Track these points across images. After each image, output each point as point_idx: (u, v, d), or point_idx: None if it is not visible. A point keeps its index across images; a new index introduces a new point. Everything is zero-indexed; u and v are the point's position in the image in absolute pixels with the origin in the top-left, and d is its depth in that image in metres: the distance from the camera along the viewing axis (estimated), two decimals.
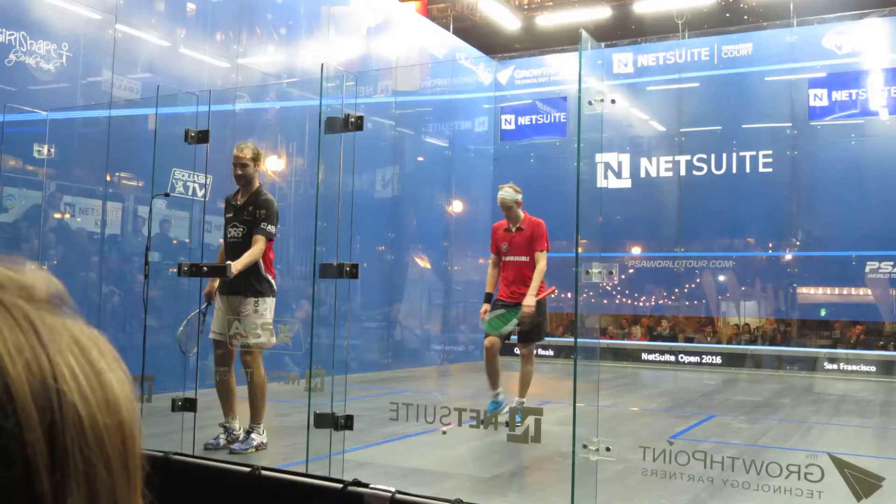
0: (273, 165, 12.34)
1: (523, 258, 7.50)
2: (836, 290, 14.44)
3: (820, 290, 14.61)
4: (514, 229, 7.57)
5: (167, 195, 6.73)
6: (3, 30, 8.34)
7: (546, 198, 12.57)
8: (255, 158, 6.35)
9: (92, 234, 9.78)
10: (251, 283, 6.10)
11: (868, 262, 13.58)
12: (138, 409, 0.57)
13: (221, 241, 6.66)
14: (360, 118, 5.94)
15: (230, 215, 6.33)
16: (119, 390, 0.55)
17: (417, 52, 15.41)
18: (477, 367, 8.56)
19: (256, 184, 6.35)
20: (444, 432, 5.67)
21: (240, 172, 6.29)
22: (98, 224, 9.72)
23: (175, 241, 10.09)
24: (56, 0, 9.08)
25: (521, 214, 7.61)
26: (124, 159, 9.74)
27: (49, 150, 7.65)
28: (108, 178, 9.88)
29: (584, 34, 5.39)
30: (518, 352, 7.68)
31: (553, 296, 8.31)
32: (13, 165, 8.80)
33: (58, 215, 9.54)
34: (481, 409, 4.95)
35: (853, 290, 14.17)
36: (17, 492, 0.47)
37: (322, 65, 6.04)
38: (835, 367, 13.90)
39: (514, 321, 7.19)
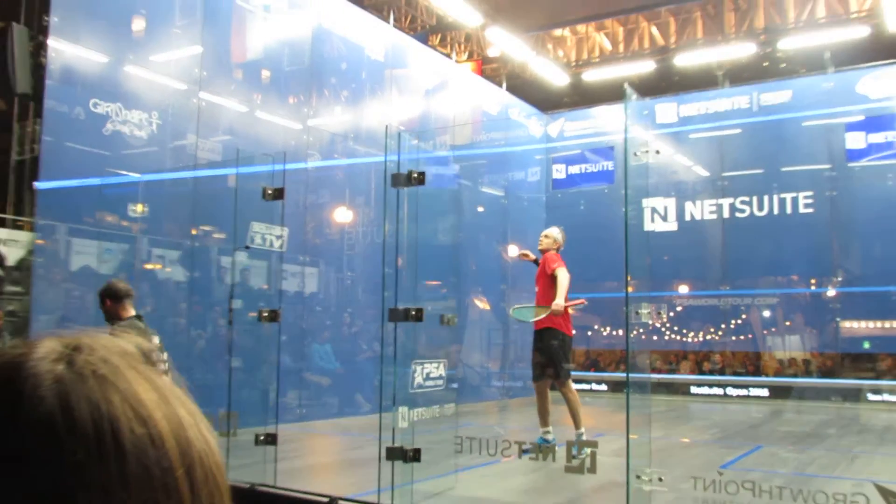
0: (342, 217, 12.60)
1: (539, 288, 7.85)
2: (879, 324, 14.05)
3: (863, 324, 14.23)
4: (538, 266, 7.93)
5: (247, 248, 6.95)
6: (102, 102, 8.74)
7: (596, 242, 12.58)
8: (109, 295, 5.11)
9: (179, 283, 10.08)
10: None
11: None
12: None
13: None
14: (422, 174, 6.11)
15: None
16: (211, 435, 0.64)
17: (473, 108, 15.64)
18: (534, 401, 8.56)
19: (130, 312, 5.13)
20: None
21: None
22: (185, 274, 10.02)
23: (262, 288, 10.33)
24: (147, 73, 9.50)
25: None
26: (208, 214, 10.05)
27: (142, 209, 7.96)
28: (194, 233, 10.19)
29: (628, 89, 5.49)
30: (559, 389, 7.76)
31: (583, 305, 8.68)
32: (110, 222, 9.17)
33: (149, 266, 9.87)
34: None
35: (895, 324, 13.79)
36: None
37: (386, 126, 6.23)
38: (879, 398, 13.50)
39: (539, 312, 7.63)
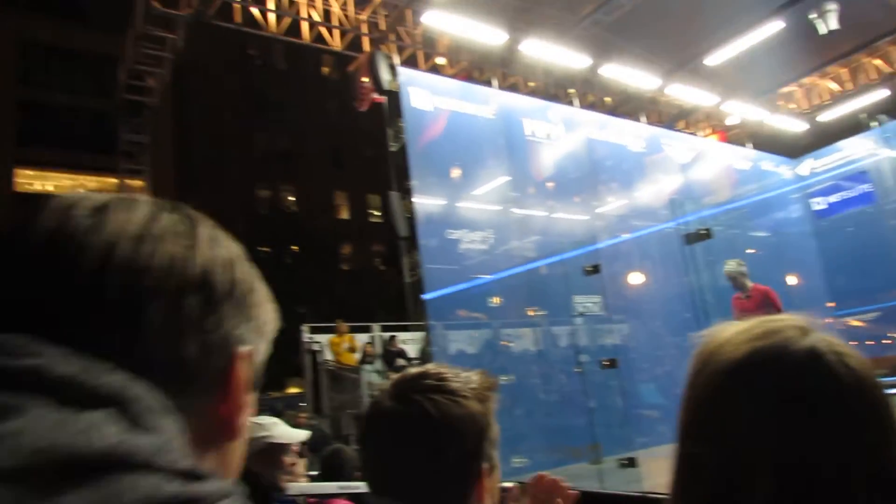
0: (635, 280, 12.16)
1: None
2: None
3: None
4: (743, 297, 6.67)
5: (581, 314, 6.97)
6: (453, 230, 9.48)
7: (872, 257, 10.86)
8: None
9: (526, 350, 10.33)
10: None
11: None
12: None
13: None
14: (708, 230, 5.75)
15: None
16: None
17: (725, 170, 14.57)
18: None
19: None
20: None
21: None
22: (531, 343, 10.23)
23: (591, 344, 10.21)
24: (479, 205, 10.16)
25: (748, 284, 6.66)
26: (538, 296, 10.24)
27: (497, 301, 8.36)
28: (530, 313, 10.42)
29: (881, 116, 4.76)
30: None
31: None
32: (468, 316, 9.74)
33: (503, 343, 10.25)
34: None
35: None
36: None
37: (671, 200, 6.00)
38: None
39: None
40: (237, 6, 10.35)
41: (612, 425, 6.49)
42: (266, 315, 0.54)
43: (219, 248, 0.50)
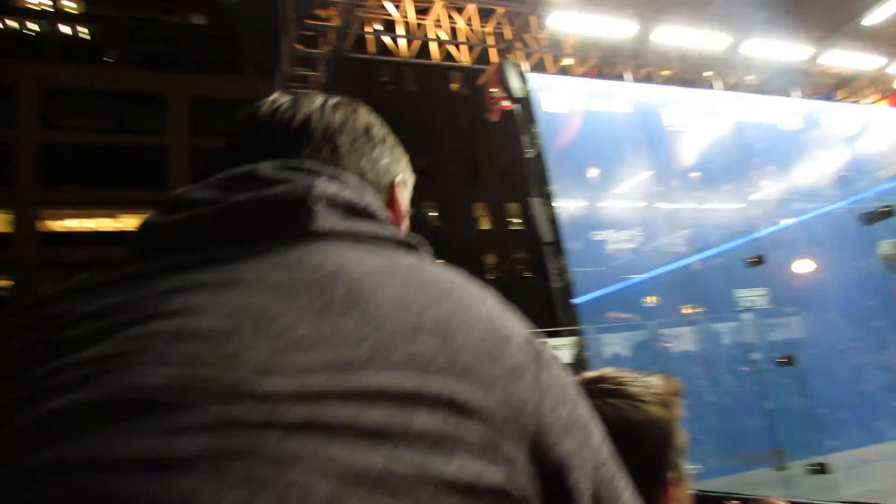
0: (800, 268, 11.13)
1: None
2: None
3: None
4: None
5: (747, 309, 6.51)
6: (597, 232, 9.27)
7: None
8: None
9: (687, 350, 9.79)
10: None
11: None
12: None
13: None
14: (891, 207, 5.18)
15: None
16: None
17: None
18: None
19: None
20: None
21: None
22: (692, 343, 9.70)
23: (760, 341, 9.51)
24: (623, 203, 9.88)
25: None
26: (695, 293, 9.70)
27: (652, 300, 8.04)
28: (687, 311, 9.88)
29: None
30: None
31: None
32: (618, 317, 9.42)
33: (662, 344, 9.78)
34: None
35: None
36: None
37: (840, 177, 5.47)
38: None
39: None
40: (370, 37, 10.84)
41: (794, 427, 5.94)
42: (407, 162, 0.80)
43: (372, 116, 0.77)
